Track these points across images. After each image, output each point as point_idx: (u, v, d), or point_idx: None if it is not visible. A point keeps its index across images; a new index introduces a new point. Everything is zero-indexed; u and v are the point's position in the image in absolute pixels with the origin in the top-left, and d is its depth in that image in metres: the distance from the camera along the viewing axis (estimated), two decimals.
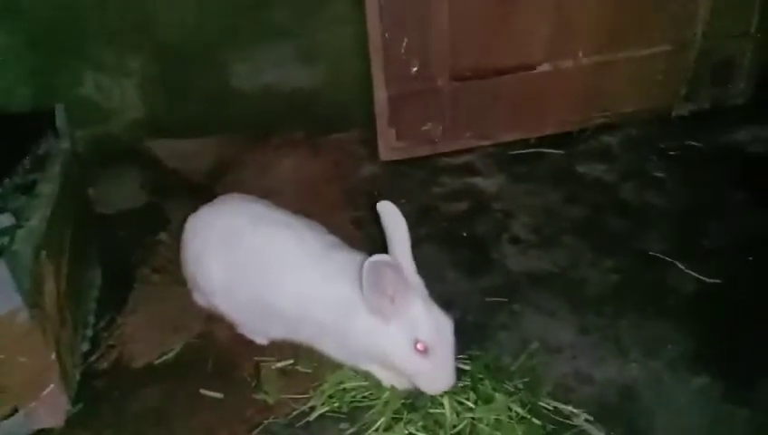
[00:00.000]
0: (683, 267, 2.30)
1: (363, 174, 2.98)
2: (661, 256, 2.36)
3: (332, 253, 1.89)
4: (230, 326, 2.10)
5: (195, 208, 2.14)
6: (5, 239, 1.80)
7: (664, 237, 2.45)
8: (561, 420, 1.80)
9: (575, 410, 1.82)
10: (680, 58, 3.07)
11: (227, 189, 2.82)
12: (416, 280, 1.77)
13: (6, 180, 2.07)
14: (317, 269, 1.86)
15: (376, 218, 1.80)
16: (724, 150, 2.93)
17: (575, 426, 1.78)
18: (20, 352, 1.74)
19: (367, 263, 1.60)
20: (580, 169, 2.87)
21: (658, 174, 2.81)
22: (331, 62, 3.06)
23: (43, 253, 1.86)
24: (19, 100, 2.88)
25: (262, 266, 1.91)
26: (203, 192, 2.68)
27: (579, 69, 2.98)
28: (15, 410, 1.79)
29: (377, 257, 1.60)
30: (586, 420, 1.80)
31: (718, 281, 2.24)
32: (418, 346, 1.69)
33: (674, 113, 3.18)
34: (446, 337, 1.71)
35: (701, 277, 2.26)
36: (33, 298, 1.75)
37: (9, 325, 1.68)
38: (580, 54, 2.96)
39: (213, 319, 2.13)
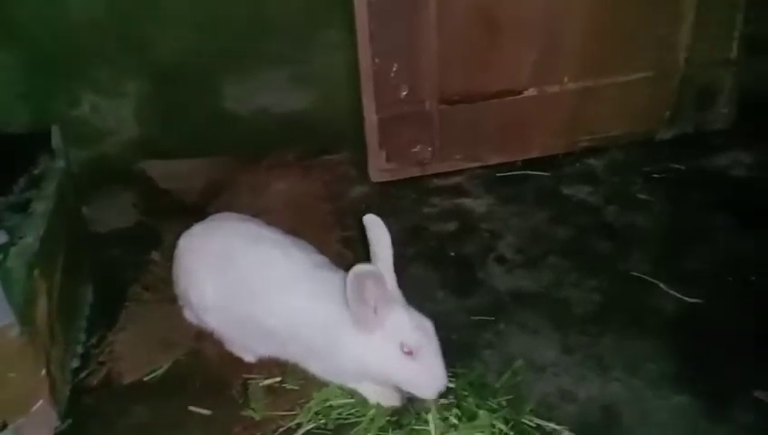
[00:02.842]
0: (665, 288, 2.35)
1: (353, 195, 3.03)
2: (644, 277, 2.41)
3: (320, 272, 1.94)
4: (219, 343, 2.13)
5: (187, 228, 2.18)
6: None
7: (647, 259, 2.50)
8: None
9: (557, 428, 1.85)
10: (664, 84, 3.15)
11: (220, 210, 2.84)
12: (396, 291, 1.81)
13: (1, 199, 2.12)
14: (305, 288, 1.90)
15: (365, 239, 1.85)
16: (707, 174, 3.00)
17: None
18: (10, 368, 1.77)
19: (351, 273, 1.64)
20: (566, 190, 2.93)
21: (642, 196, 2.87)
22: (324, 87, 3.14)
23: (36, 270, 1.90)
24: (16, 120, 2.93)
25: (252, 285, 1.94)
26: (195, 212, 2.72)
27: (564, 94, 3.05)
28: (5, 426, 1.81)
29: (360, 268, 1.65)
30: None
31: (699, 301, 2.28)
32: (405, 350, 1.72)
33: (658, 137, 3.25)
34: (430, 337, 1.76)
35: (682, 297, 2.30)
36: (25, 315, 1.78)
37: (1, 341, 1.71)
38: (566, 80, 3.03)
39: (202, 336, 2.16)
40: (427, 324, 1.79)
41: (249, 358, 2.09)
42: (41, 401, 1.84)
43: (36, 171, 2.28)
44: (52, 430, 1.88)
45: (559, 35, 2.93)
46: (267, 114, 3.17)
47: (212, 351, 2.14)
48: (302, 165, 3.17)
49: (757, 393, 1.94)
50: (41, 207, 2.10)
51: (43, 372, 1.83)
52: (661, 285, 2.36)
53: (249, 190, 3.05)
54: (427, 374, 1.75)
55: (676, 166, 3.06)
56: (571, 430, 1.85)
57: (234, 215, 2.23)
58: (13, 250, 1.87)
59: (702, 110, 3.26)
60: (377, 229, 1.82)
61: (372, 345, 1.76)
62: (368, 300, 1.70)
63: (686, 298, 2.30)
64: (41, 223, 2.04)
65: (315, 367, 1.94)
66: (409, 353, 1.73)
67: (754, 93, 3.25)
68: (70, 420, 1.94)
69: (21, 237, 1.94)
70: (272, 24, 3.02)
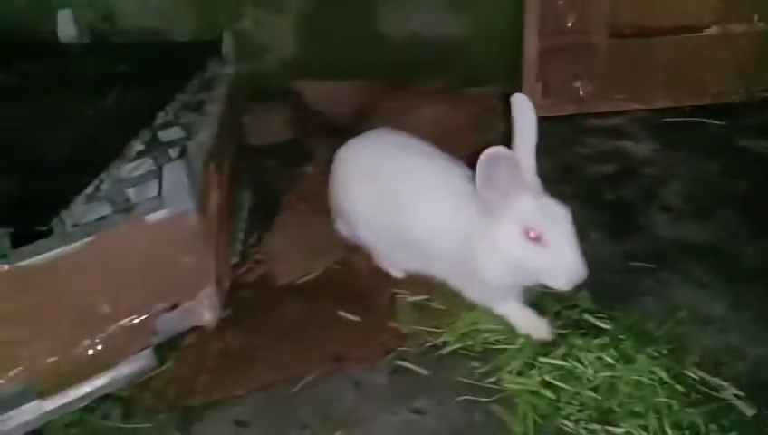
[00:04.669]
0: None
1: (502, 129, 2.92)
2: None
3: (464, 184, 1.86)
4: (369, 256, 2.16)
5: (336, 147, 2.19)
6: (176, 150, 1.95)
7: None
8: (707, 391, 1.71)
9: (723, 383, 1.72)
10: None
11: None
12: (533, 179, 1.73)
13: (177, 99, 2.23)
14: (451, 201, 1.84)
15: None
16: None
17: (723, 399, 1.69)
18: (186, 252, 1.88)
19: (483, 155, 1.57)
20: (742, 142, 2.66)
21: None
22: (483, 12, 3.01)
23: (212, 164, 1.99)
24: (184, 30, 3.06)
25: (398, 193, 1.93)
26: (346, 133, 2.74)
27: (751, 34, 2.74)
28: (175, 306, 1.95)
29: (493, 150, 1.57)
30: (735, 395, 1.70)
31: None
32: (531, 234, 1.64)
33: None
34: (561, 224, 1.65)
35: None
36: (201, 204, 1.88)
37: (181, 226, 1.82)
38: (756, 18, 2.71)
39: (353, 249, 2.20)
40: (560, 211, 1.67)
41: (397, 273, 2.11)
42: (207, 288, 1.95)
43: (208, 75, 2.38)
44: (216, 316, 2.00)
45: None
46: (420, 39, 3.11)
47: (362, 263, 2.18)
48: (452, 94, 3.10)
49: None
50: (213, 108, 2.19)
51: (213, 260, 1.94)
52: None
53: (396, 116, 3.01)
54: (556, 262, 1.64)
55: None
56: (738, 388, 1.71)
57: (388, 130, 2.22)
58: (191, 144, 1.97)
59: None
60: (524, 109, 1.74)
61: (499, 231, 1.69)
62: (498, 184, 1.62)
63: None
64: (213, 122, 2.13)
65: (460, 283, 1.92)
66: (537, 239, 1.64)
67: None
68: (230, 310, 2.06)
69: (196, 134, 2.03)
70: None
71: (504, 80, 3.05)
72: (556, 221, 1.66)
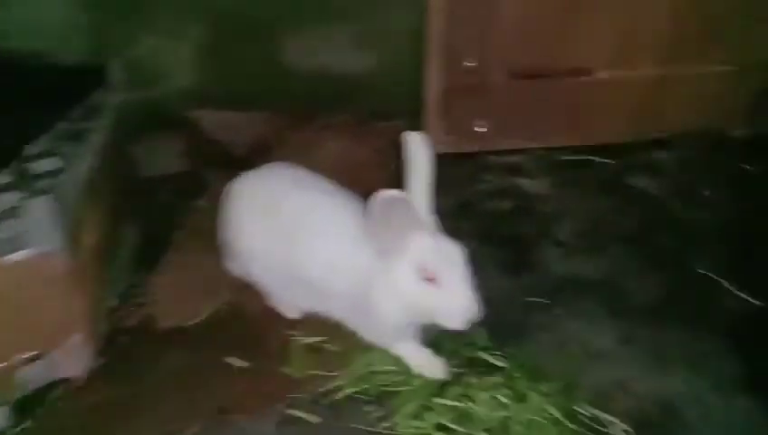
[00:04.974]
0: (731, 288, 2.21)
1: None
2: (709, 275, 2.27)
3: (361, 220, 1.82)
4: (261, 297, 2.06)
5: (235, 179, 2.10)
6: (51, 181, 1.79)
7: (712, 256, 2.36)
8: (597, 427, 1.73)
9: (613, 419, 1.74)
10: (743, 80, 2.97)
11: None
12: (428, 218, 1.70)
13: (57, 127, 2.07)
14: (348, 239, 1.78)
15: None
16: None
17: None
18: (52, 296, 1.72)
19: (375, 198, 1.55)
20: (631, 180, 2.78)
21: (710, 194, 2.71)
22: (386, 50, 3.02)
23: (86, 199, 1.84)
24: (74, 51, 2.87)
25: (294, 230, 1.86)
26: (244, 165, 2.65)
27: (638, 80, 2.89)
28: (38, 357, 1.76)
29: (385, 193, 1.55)
30: (624, 432, 1.73)
31: (765, 303, 2.14)
32: (425, 274, 1.62)
33: (731, 135, 3.08)
34: (455, 263, 1.63)
35: (748, 298, 2.17)
36: (72, 242, 1.72)
37: (47, 266, 1.66)
38: (642, 66, 2.87)
39: (244, 289, 2.09)
40: (455, 251, 1.65)
41: (292, 314, 2.02)
42: (78, 335, 1.79)
43: (92, 102, 2.23)
44: (87, 366, 1.83)
45: (640, 18, 2.76)
46: (326, 72, 3.07)
47: (254, 304, 2.07)
48: (357, 128, 3.07)
49: None
50: (95, 138, 2.05)
51: (84, 303, 1.78)
52: (726, 285, 2.23)
53: (299, 148, 2.96)
54: (451, 302, 1.62)
55: (747, 166, 2.89)
56: (627, 424, 1.74)
57: (284, 164, 2.15)
58: (65, 177, 1.81)
59: None
60: (417, 146, 1.72)
61: (394, 271, 1.66)
62: (392, 226, 1.60)
63: (753, 300, 2.16)
64: (94, 154, 1.99)
65: (357, 323, 1.86)
66: (431, 279, 1.62)
67: None
68: (105, 359, 1.89)
69: (73, 166, 1.88)
70: None
71: (410, 115, 3.06)
72: (451, 261, 1.64)
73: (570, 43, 2.76)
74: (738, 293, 2.19)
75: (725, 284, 2.23)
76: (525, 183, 2.77)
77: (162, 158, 2.82)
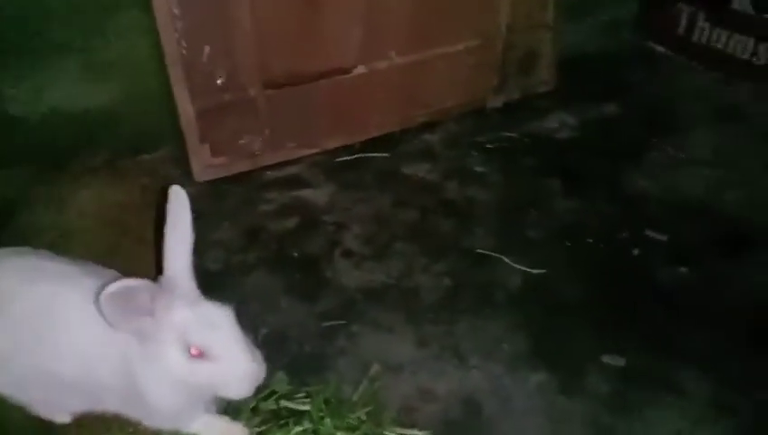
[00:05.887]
0: (510, 262, 2.35)
1: None
2: (489, 253, 2.39)
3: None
4: (21, 409, 1.75)
5: None
6: None
7: (490, 233, 2.49)
8: None
9: (419, 433, 1.76)
10: (488, 51, 3.15)
11: (16, 233, 2.44)
12: (188, 285, 1.53)
13: None
14: (100, 325, 1.48)
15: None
16: (536, 139, 3.06)
17: None
18: None
19: (103, 296, 1.34)
20: (406, 170, 2.83)
21: (479, 169, 2.86)
22: (126, 78, 2.71)
23: None
24: None
25: (37, 329, 1.58)
26: None
27: (394, 69, 2.93)
28: None
29: (112, 288, 1.34)
30: None
31: (543, 271, 2.31)
32: (193, 351, 1.47)
33: (488, 106, 3.27)
34: (224, 330, 1.49)
35: (527, 269, 2.31)
36: None
37: None
38: (394, 54, 2.91)
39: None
40: (221, 316, 1.50)
41: (61, 418, 1.75)
42: None
43: None
44: None
45: (381, 9, 2.77)
46: (62, 115, 2.70)
47: (15, 417, 1.76)
48: (114, 169, 2.76)
49: (605, 358, 1.99)
50: None
51: None
52: (506, 259, 2.36)
53: (51, 206, 2.59)
54: (229, 372, 1.48)
55: (508, 133, 3.09)
56: (434, 433, 1.77)
57: (8, 250, 1.77)
58: None
59: (526, 75, 3.33)
60: (179, 204, 1.54)
61: (158, 354, 1.48)
62: (137, 313, 1.41)
63: (531, 270, 2.31)
64: None
65: (134, 413, 1.66)
66: (201, 354, 1.47)
67: (570, 56, 3.38)
68: None
69: None
70: (53, 6, 2.53)
71: (175, 143, 2.82)
72: (218, 329, 1.49)
73: (318, 45, 2.71)
74: (517, 266, 2.33)
75: (505, 259, 2.36)
76: (308, 193, 2.70)
77: None
